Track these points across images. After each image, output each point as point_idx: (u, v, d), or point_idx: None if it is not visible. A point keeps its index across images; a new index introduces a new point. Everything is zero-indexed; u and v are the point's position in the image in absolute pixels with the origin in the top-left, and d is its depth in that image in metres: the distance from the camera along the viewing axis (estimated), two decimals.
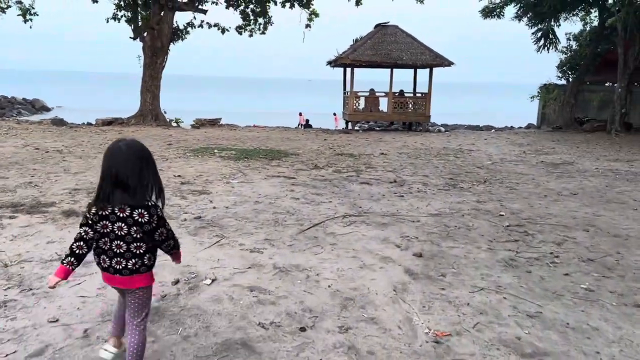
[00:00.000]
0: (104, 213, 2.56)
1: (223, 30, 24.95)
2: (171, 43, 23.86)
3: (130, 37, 23.79)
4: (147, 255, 2.69)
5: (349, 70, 20.92)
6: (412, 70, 22.02)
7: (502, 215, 6.97)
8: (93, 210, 2.58)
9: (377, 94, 20.81)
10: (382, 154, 13.42)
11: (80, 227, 2.64)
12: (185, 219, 6.26)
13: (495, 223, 6.53)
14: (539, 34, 21.24)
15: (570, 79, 25.33)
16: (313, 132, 20.45)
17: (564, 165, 11.80)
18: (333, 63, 20.69)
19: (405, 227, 6.23)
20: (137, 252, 2.64)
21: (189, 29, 24.55)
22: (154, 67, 23.00)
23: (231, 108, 46.60)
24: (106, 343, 3.01)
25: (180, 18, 32.06)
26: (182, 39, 24.45)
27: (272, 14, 25.66)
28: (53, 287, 2.62)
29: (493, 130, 22.92)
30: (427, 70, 21.83)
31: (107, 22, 25.16)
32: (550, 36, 21.01)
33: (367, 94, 20.91)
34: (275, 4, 24.87)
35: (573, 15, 23.22)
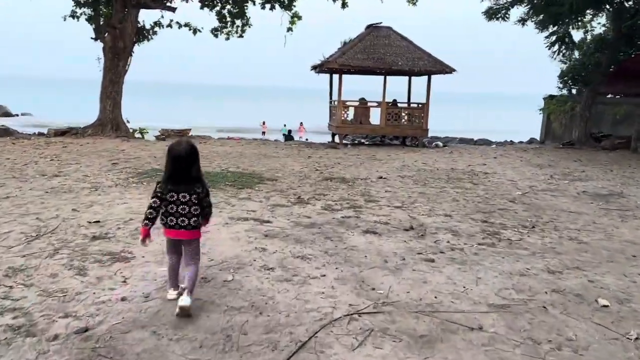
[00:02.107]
0: (171, 187, 3.66)
1: (195, 31, 22.02)
2: (136, 44, 20.86)
3: (92, 38, 20.78)
4: (199, 217, 3.77)
5: (335, 76, 18.10)
6: (405, 78, 19.30)
7: (606, 306, 4.15)
8: (163, 186, 3.69)
9: (368, 104, 17.99)
10: (381, 177, 10.58)
11: (152, 199, 3.73)
12: (55, 335, 3.28)
13: (610, 330, 3.70)
14: (553, 38, 18.64)
15: (573, 90, 22.94)
16: (295, 146, 17.56)
17: (614, 198, 9.09)
18: (318, 68, 17.82)
19: (463, 347, 3.36)
20: (195, 213, 3.72)
21: (157, 28, 21.54)
22: (115, 71, 19.95)
23: (206, 118, 43.40)
24: (169, 291, 3.89)
25: (147, 16, 29.02)
26: (149, 40, 21.42)
27: (250, 16, 22.93)
28: (144, 244, 3.82)
29: (494, 146, 20.30)
30: (419, 78, 19.23)
31: (65, 20, 22.05)
32: (567, 41, 18.40)
33: (356, 103, 18.10)
34: (254, 3, 22.09)
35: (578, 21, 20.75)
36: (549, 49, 18.84)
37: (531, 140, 23.03)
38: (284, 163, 12.38)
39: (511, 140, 23.59)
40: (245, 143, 17.81)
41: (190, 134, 19.79)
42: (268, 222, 6.46)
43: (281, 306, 3.87)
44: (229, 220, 6.41)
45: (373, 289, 4.32)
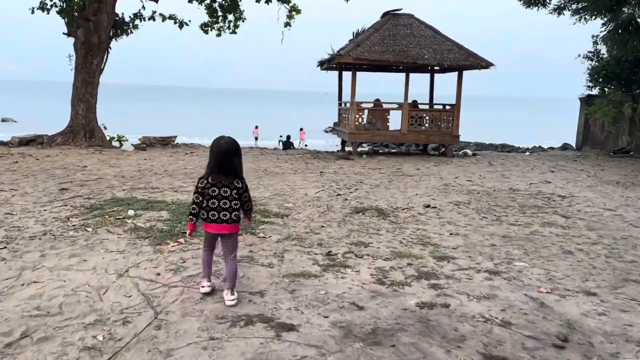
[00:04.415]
0: (213, 182, 3.68)
1: (181, 24, 18.84)
2: (112, 39, 17.68)
3: (64, 34, 17.58)
4: (239, 210, 3.79)
5: (346, 74, 15.01)
6: (424, 76, 16.25)
7: None
8: (205, 181, 3.69)
9: (387, 106, 14.81)
10: (429, 206, 7.50)
11: (194, 194, 3.75)
12: None
13: None
14: (611, 25, 15.41)
15: (606, 90, 20.03)
16: (300, 156, 14.42)
17: None
18: (327, 64, 14.71)
19: None
20: (235, 207, 3.73)
21: (137, 21, 18.32)
22: (89, 70, 16.77)
23: (195, 123, 39.82)
24: (202, 282, 3.91)
25: (127, 7, 26.09)
26: (127, 34, 18.20)
27: (244, 9, 19.89)
28: (191, 237, 4.29)
29: (527, 153, 17.27)
30: (441, 74, 16.21)
31: (33, 12, 18.81)
32: (631, 29, 15.15)
33: (371, 105, 14.97)
34: None
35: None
36: (607, 39, 15.61)
37: (565, 147, 19.99)
38: (292, 183, 9.26)
39: (540, 146, 20.65)
40: None
41: (175, 142, 16.60)
42: (290, 327, 3.35)
43: None
44: (212, 326, 3.29)
45: None
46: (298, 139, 27.09)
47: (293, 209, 7.10)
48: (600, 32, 16.13)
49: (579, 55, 21.08)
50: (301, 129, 28.66)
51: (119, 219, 5.96)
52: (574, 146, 19.32)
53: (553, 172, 11.54)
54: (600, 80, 20.40)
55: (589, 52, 21.81)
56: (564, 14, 16.56)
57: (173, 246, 5.00)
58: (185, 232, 5.57)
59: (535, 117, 70.18)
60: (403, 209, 7.32)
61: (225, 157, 3.70)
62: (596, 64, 21.04)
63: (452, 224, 6.50)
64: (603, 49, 21.63)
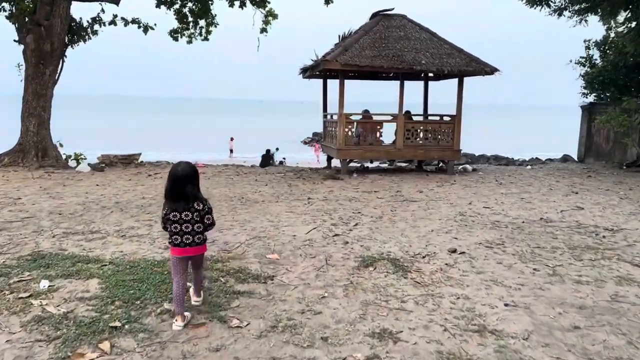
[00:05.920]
0: (171, 206, 3.58)
1: (146, 29, 16.87)
2: (68, 46, 15.58)
3: (15, 41, 15.40)
4: (203, 232, 3.70)
5: (332, 82, 13.18)
6: (416, 84, 14.53)
7: None
8: (166, 209, 3.59)
9: (380, 117, 12.96)
10: (455, 252, 5.68)
11: (162, 224, 3.67)
12: None
13: None
14: (634, 24, 13.83)
15: (603, 96, 18.67)
16: (280, 175, 12.48)
17: None
18: (310, 71, 12.83)
19: None
20: (198, 230, 3.64)
21: (96, 26, 16.24)
22: (41, 81, 14.68)
23: (164, 138, 36.96)
24: (176, 320, 3.54)
25: (85, 11, 24.04)
26: (85, 40, 16.10)
27: (216, 14, 18.17)
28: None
29: (529, 167, 15.64)
30: (435, 82, 14.55)
31: None
32: None
33: (361, 117, 13.12)
34: None
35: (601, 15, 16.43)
36: (628, 40, 13.99)
37: (565, 158, 18.45)
38: (275, 218, 7.33)
39: (537, 157, 19.12)
40: (212, 174, 12.59)
41: (139, 161, 14.49)
42: None
43: None
44: None
45: None
46: (314, 153, 26.00)
47: (279, 262, 5.19)
48: (621, 31, 14.57)
49: (570, 61, 19.77)
50: (317, 141, 27.37)
51: (22, 297, 3.96)
52: (576, 157, 17.82)
53: (577, 193, 9.84)
54: (596, 86, 19.09)
55: (581, 57, 20.52)
56: (564, 15, 15.09)
57: None
58: (119, 325, 3.64)
59: (526, 125, 69.25)
60: (423, 257, 5.48)
61: (177, 184, 3.58)
62: (589, 69, 19.79)
63: (499, 283, 4.68)
64: (596, 54, 20.41)
